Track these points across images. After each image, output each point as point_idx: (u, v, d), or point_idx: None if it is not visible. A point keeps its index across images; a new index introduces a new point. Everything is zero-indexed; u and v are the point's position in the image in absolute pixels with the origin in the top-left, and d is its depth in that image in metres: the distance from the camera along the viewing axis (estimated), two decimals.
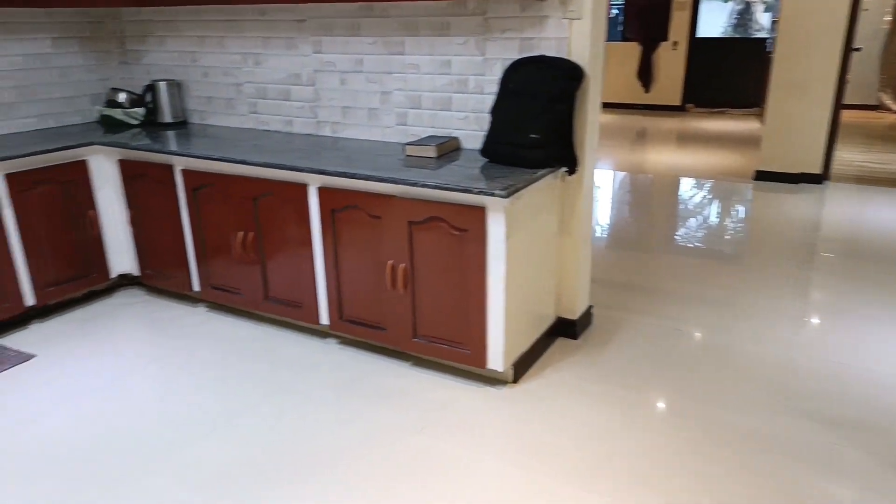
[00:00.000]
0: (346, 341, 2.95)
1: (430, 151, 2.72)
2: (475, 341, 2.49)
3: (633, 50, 9.44)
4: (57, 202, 3.06)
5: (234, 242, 2.95)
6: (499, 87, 2.64)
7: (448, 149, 2.82)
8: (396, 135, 3.09)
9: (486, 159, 2.67)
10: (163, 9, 3.53)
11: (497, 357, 2.48)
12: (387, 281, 2.59)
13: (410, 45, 2.91)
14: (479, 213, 2.31)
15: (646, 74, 9.41)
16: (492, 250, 2.34)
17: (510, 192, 2.23)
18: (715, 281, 3.60)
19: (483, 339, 2.47)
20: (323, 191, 2.63)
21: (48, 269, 3.08)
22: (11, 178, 2.87)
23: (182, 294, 3.40)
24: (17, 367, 2.72)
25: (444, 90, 2.90)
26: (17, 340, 2.95)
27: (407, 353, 2.77)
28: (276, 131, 3.43)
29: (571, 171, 2.66)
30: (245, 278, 3.00)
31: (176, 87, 3.60)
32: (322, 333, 3.01)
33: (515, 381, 2.60)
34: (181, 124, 3.64)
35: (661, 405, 2.45)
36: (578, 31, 2.52)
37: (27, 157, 2.92)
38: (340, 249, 2.69)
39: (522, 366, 2.64)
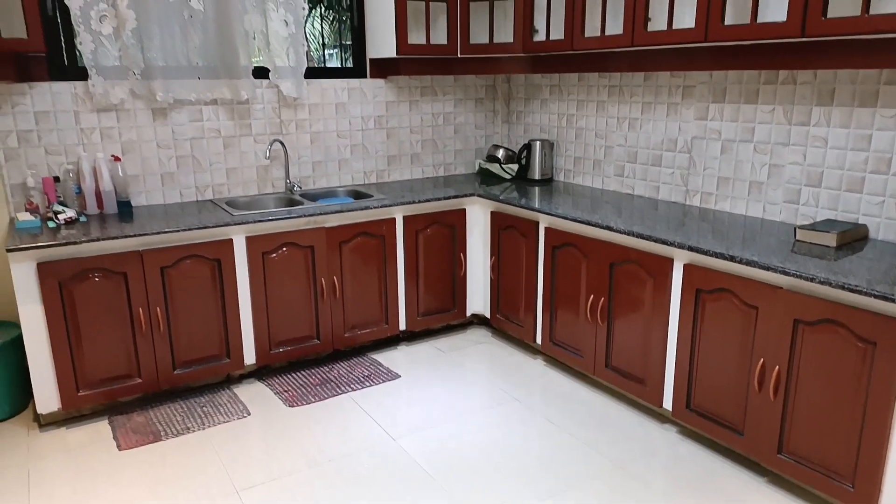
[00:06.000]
0: (686, 431, 2.67)
1: (829, 239, 2.31)
2: (864, 481, 2.00)
3: None
4: (438, 243, 3.46)
5: (584, 305, 2.94)
6: None
7: (851, 237, 2.37)
8: (782, 213, 2.73)
9: None
10: (552, 74, 3.78)
11: None
12: (753, 381, 2.27)
13: (819, 116, 2.54)
14: None
15: None
16: None
17: None
18: None
19: (877, 481, 1.97)
20: (690, 268, 2.44)
21: (421, 300, 3.49)
22: (408, 219, 3.34)
23: (523, 342, 3.53)
24: (386, 383, 3.12)
25: (856, 169, 2.45)
26: (388, 357, 3.40)
27: (762, 464, 2.38)
28: (639, 196, 3.35)
29: None
30: (588, 342, 2.96)
31: (548, 146, 3.80)
32: (660, 416, 2.79)
33: None
34: (547, 181, 3.82)
35: None
36: None
37: (424, 203, 3.37)
38: (701, 333, 2.45)
39: None
